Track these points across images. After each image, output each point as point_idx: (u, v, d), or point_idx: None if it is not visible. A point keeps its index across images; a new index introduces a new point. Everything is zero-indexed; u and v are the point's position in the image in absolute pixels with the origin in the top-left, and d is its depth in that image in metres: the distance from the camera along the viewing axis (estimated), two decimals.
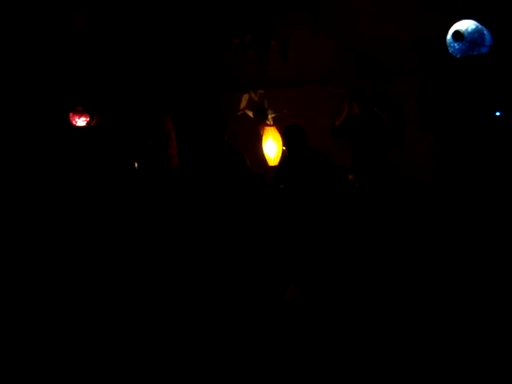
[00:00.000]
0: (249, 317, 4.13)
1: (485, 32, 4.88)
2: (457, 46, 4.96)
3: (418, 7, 5.47)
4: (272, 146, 6.39)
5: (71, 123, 6.67)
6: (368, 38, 6.10)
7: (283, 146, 5.92)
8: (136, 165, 6.20)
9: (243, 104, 6.49)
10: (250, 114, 6.51)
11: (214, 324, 4.05)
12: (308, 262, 4.74)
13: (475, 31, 4.87)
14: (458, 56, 5.01)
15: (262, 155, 6.45)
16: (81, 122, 6.71)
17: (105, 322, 4.16)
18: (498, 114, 5.11)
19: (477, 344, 3.48)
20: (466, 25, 4.92)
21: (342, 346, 3.68)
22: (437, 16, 5.35)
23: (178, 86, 7.00)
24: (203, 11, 5.88)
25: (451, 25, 4.98)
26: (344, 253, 4.81)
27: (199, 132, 5.35)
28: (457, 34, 4.91)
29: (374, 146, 5.78)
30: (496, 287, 4.15)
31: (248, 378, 3.43)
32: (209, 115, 5.21)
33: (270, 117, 6.43)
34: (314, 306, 4.25)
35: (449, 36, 4.98)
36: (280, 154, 6.36)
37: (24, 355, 3.70)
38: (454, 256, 4.62)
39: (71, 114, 6.70)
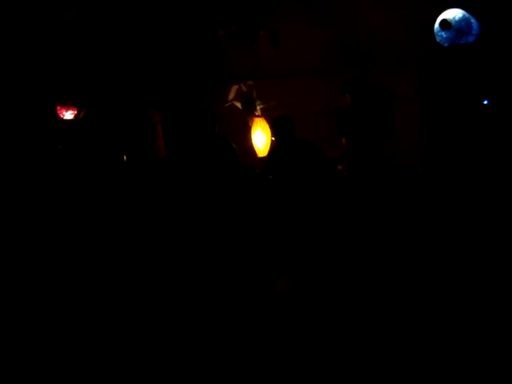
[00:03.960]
0: (240, 309, 4.12)
1: (472, 21, 4.89)
2: (444, 35, 4.97)
3: None
4: (261, 137, 6.38)
5: (58, 116, 6.62)
6: (358, 29, 6.10)
7: (272, 136, 5.91)
8: (125, 157, 6.17)
9: (232, 95, 6.48)
10: (239, 105, 6.49)
11: (207, 317, 4.04)
12: (299, 254, 4.74)
13: (462, 20, 4.88)
14: (446, 45, 5.02)
15: (251, 146, 6.44)
16: (68, 115, 6.66)
17: (100, 321, 4.15)
18: (485, 102, 5.12)
19: (477, 343, 3.48)
20: (453, 13, 4.93)
21: (335, 338, 3.68)
22: (426, 5, 5.35)
23: (165, 77, 6.96)
24: (189, 2, 5.86)
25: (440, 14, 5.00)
26: (335, 244, 4.81)
27: (187, 124, 5.32)
28: (444, 22, 4.92)
29: (364, 136, 5.77)
30: (490, 278, 4.16)
31: (241, 372, 3.42)
32: (198, 107, 5.19)
33: (258, 108, 6.41)
34: (305, 297, 4.25)
35: (436, 25, 4.99)
36: (269, 145, 6.35)
37: (24, 355, 3.69)
38: (445, 246, 4.64)
39: (58, 107, 6.65)
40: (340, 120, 5.93)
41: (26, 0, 5.73)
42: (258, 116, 6.46)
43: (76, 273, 4.88)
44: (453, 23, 4.89)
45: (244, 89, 6.51)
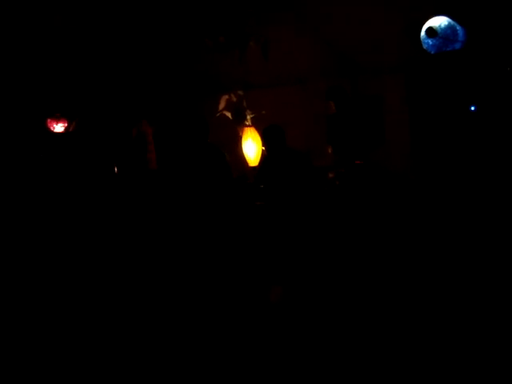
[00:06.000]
0: (234, 317, 4.13)
1: (457, 28, 4.94)
2: (431, 43, 5.01)
3: (395, 4, 5.51)
4: (251, 147, 6.40)
5: (49, 129, 6.62)
6: (346, 36, 6.14)
7: (262, 146, 5.93)
8: (116, 169, 6.17)
9: (221, 105, 6.50)
10: (229, 115, 6.51)
11: (200, 324, 4.04)
12: (291, 262, 4.74)
13: (448, 27, 4.93)
14: (433, 52, 5.06)
15: (242, 156, 6.45)
16: (59, 127, 6.66)
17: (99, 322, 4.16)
18: (472, 108, 5.17)
19: (476, 342, 3.48)
20: (438, 21, 4.98)
21: (328, 345, 3.69)
22: (413, 13, 5.39)
23: (155, 89, 6.97)
24: (178, 12, 5.88)
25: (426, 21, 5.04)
26: (327, 252, 4.82)
27: (179, 135, 5.31)
28: (430, 30, 4.96)
29: (353, 143, 5.81)
30: (482, 280, 4.19)
31: (234, 377, 3.43)
32: (190, 117, 5.18)
33: (248, 117, 6.44)
34: (298, 306, 4.26)
35: (422, 33, 5.04)
36: (260, 155, 6.37)
37: (24, 355, 3.68)
38: (438, 250, 4.66)
39: (49, 120, 6.65)
40: (328, 128, 5.97)
41: (18, 8, 5.71)
42: (249, 126, 6.48)
43: (72, 282, 4.88)
44: (439, 31, 4.94)
45: (234, 99, 6.54)
